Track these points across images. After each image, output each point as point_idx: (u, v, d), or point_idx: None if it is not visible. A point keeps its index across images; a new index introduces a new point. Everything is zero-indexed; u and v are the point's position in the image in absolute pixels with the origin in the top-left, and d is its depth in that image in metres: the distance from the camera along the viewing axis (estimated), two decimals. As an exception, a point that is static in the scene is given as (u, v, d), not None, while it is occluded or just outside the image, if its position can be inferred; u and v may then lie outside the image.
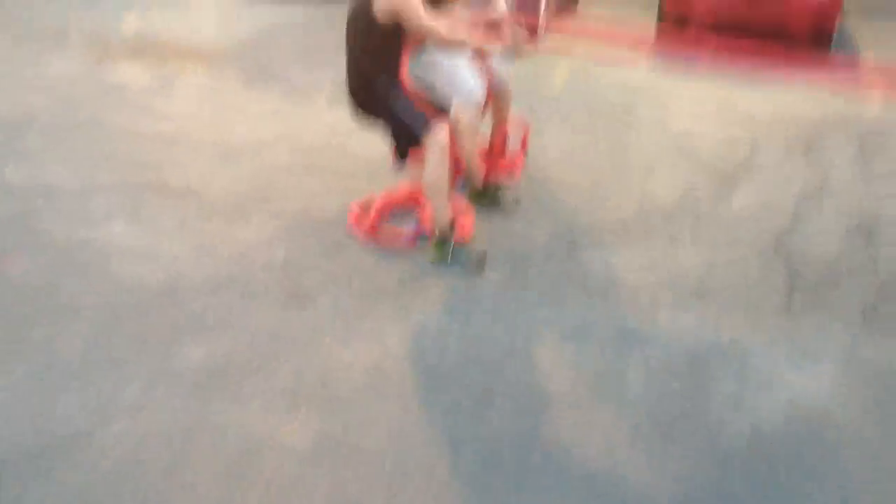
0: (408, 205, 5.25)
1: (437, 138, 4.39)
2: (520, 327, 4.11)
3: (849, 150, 6.88)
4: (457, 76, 4.96)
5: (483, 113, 5.17)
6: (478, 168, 5.21)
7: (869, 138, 7.13)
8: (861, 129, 7.38)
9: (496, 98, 5.51)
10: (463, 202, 5.22)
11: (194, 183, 5.58)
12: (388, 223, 5.03)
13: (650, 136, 6.98)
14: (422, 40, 4.53)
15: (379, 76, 4.46)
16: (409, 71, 4.85)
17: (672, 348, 4.01)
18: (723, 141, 6.95)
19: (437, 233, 4.62)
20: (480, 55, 4.96)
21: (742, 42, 9.69)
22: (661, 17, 10.43)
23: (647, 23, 11.16)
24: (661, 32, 10.41)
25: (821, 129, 7.33)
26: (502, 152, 5.86)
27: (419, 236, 4.88)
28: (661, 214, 5.46)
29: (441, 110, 4.81)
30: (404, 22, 4.25)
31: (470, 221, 5.02)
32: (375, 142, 6.01)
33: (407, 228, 4.95)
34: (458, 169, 5.07)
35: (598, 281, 4.61)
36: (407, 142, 4.50)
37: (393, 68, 4.50)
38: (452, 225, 4.62)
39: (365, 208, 5.19)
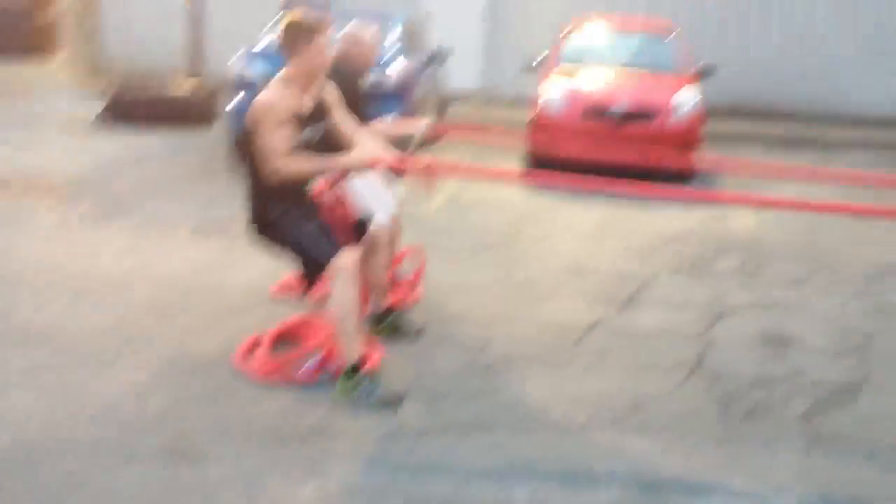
0: (302, 337, 4.69)
1: (344, 265, 4.03)
2: (452, 473, 3.57)
3: (733, 265, 6.84)
4: (370, 190, 4.70)
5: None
6: (385, 289, 4.88)
7: (746, 254, 7.13)
8: (737, 245, 7.41)
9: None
10: (367, 332, 4.69)
11: (47, 327, 4.83)
12: (282, 357, 4.44)
13: (539, 261, 6.72)
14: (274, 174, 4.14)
15: (275, 201, 4.15)
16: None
17: (621, 486, 3.56)
18: (612, 262, 6.78)
19: (345, 366, 4.09)
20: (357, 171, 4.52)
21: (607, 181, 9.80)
22: (527, 162, 10.46)
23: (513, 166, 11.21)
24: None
25: (702, 248, 7.30)
26: (395, 280, 5.44)
27: (321, 370, 4.32)
28: (569, 340, 5.12)
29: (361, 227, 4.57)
30: (263, 145, 4.03)
31: (377, 352, 4.50)
32: (247, 274, 5.47)
33: (308, 362, 4.37)
34: (366, 298, 4.60)
35: (523, 412, 4.16)
36: (313, 270, 4.14)
37: (290, 192, 4.16)
38: (362, 357, 4.10)
39: (254, 344, 4.59)
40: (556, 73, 10.67)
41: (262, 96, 4.10)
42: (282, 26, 4.16)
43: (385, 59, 9.60)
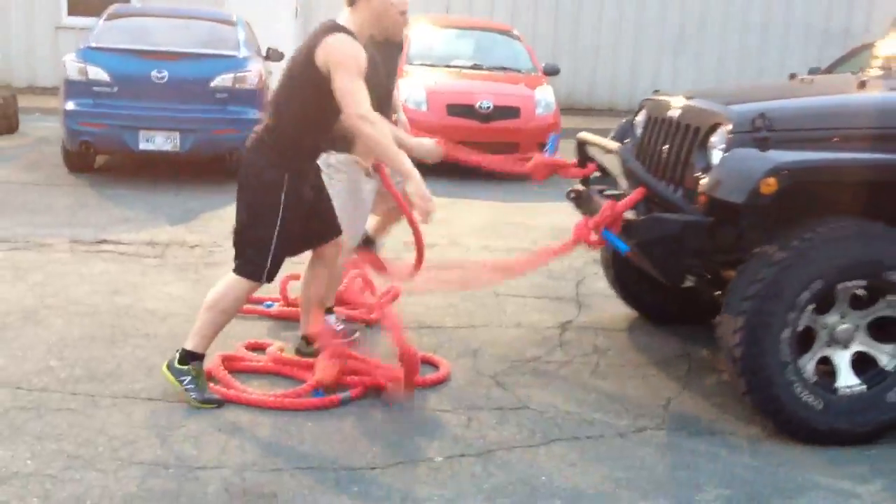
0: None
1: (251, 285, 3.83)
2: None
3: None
4: (360, 208, 4.34)
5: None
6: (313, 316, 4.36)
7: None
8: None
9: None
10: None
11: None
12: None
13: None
14: (344, 136, 3.76)
15: (289, 159, 3.77)
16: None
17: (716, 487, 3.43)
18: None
19: (185, 351, 3.82)
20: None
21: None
22: None
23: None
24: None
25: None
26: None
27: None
28: (555, 343, 4.93)
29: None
30: (337, 97, 3.57)
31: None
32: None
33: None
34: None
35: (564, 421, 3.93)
36: (246, 248, 3.82)
37: (309, 155, 3.83)
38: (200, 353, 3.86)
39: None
40: (409, 72, 10.44)
41: (343, 40, 3.62)
42: None
43: (244, 57, 9.02)
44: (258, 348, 4.45)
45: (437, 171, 9.66)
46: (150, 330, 4.68)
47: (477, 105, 9.79)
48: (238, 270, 3.85)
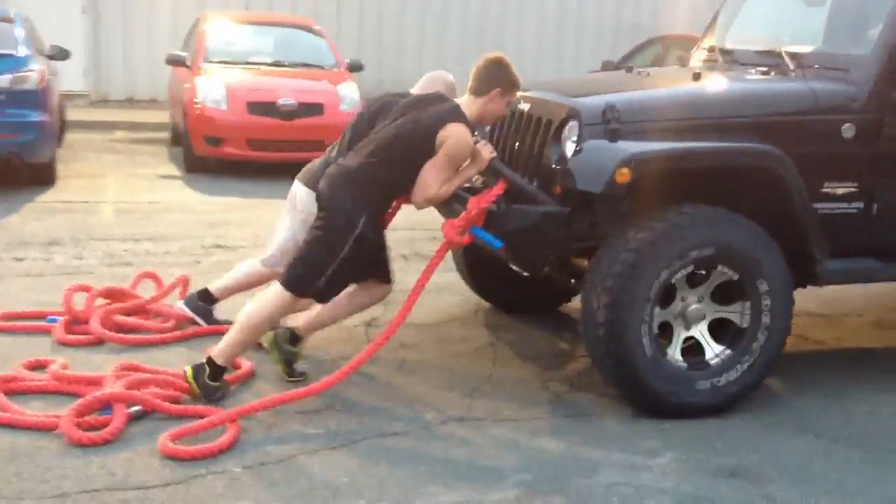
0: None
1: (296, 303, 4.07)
2: None
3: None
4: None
5: None
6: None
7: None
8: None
9: None
10: None
11: None
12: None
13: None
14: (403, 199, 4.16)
15: (373, 214, 4.01)
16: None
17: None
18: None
19: (216, 362, 3.96)
20: None
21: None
22: (188, 164, 9.85)
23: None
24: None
25: (413, 234, 7.34)
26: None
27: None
28: (363, 339, 4.87)
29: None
30: (420, 174, 3.96)
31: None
32: None
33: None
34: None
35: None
36: (313, 285, 3.98)
37: (377, 205, 4.06)
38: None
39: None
40: (208, 70, 10.08)
41: (464, 135, 3.93)
42: (492, 58, 4.17)
43: (23, 56, 8.44)
44: (39, 367, 4.14)
45: (238, 171, 9.50)
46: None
47: (279, 102, 9.58)
48: (285, 282, 3.97)
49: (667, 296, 3.95)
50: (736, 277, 3.95)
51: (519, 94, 4.36)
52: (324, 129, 9.67)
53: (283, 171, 9.55)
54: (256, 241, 6.88)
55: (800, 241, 4.09)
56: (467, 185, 4.29)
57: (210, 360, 3.93)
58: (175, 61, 10.43)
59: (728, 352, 4.02)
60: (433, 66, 16.11)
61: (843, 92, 4.27)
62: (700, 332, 4.06)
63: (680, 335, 4.04)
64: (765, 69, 4.70)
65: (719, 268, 3.94)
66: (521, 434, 3.80)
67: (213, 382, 3.92)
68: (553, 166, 4.08)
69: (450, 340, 4.94)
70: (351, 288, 4.26)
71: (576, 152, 3.95)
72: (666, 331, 4.02)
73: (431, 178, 3.96)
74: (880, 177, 4.30)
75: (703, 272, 3.99)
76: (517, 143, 4.43)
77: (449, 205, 4.27)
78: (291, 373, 4.25)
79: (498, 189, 4.05)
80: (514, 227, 4.01)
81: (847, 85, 4.28)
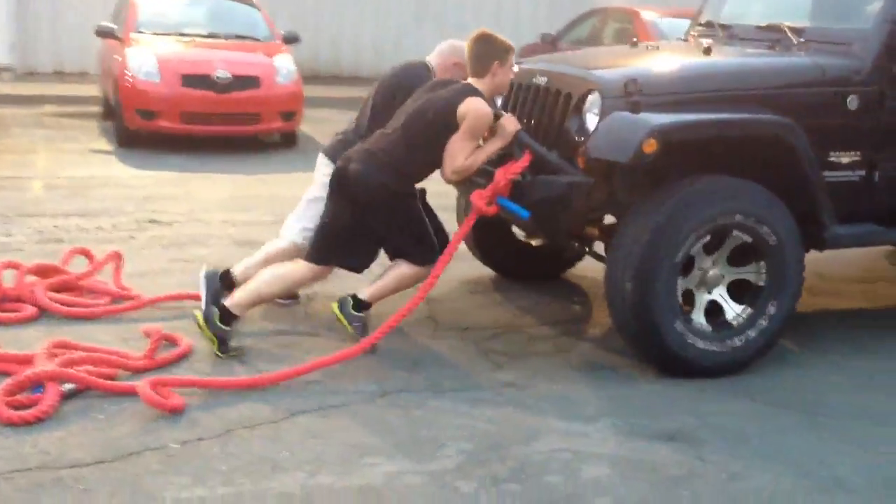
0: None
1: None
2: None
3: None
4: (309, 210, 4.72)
5: None
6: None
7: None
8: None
9: None
10: None
11: None
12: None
13: (219, 240, 6.20)
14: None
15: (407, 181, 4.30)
16: None
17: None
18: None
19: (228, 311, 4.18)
20: None
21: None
22: (120, 138, 9.61)
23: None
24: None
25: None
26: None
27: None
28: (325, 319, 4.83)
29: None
30: (446, 149, 4.17)
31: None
32: None
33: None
34: None
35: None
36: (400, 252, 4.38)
37: (408, 185, 4.35)
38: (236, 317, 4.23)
39: None
40: (139, 41, 9.85)
41: (482, 106, 4.12)
42: (475, 38, 4.32)
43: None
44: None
45: (172, 145, 9.33)
46: None
47: (214, 75, 9.40)
48: (417, 261, 4.31)
49: (686, 264, 4.09)
50: (750, 241, 4.10)
51: (532, 67, 4.58)
52: (259, 101, 9.59)
53: (218, 145, 9.55)
54: (192, 215, 6.79)
55: (809, 207, 4.28)
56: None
57: (223, 307, 4.15)
58: (105, 33, 10.16)
59: (749, 310, 4.18)
60: (371, 38, 16.32)
61: (848, 65, 4.46)
62: (720, 294, 4.22)
63: (703, 300, 4.20)
64: (769, 44, 4.84)
65: (734, 233, 4.08)
66: (462, 404, 3.81)
67: (221, 325, 4.11)
68: (576, 138, 4.21)
69: (386, 314, 4.90)
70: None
71: (601, 124, 4.08)
72: (687, 298, 4.17)
73: (457, 150, 4.15)
74: (882, 146, 4.52)
75: (718, 239, 4.13)
76: (534, 117, 4.53)
77: (468, 181, 4.41)
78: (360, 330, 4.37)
79: (524, 161, 4.18)
80: (541, 196, 4.16)
81: (850, 59, 4.48)
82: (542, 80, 4.58)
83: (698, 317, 4.18)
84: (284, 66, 9.89)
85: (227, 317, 4.14)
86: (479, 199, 4.20)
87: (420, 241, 4.34)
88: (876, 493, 3.27)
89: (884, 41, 4.43)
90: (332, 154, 4.60)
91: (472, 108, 4.11)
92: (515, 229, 5.32)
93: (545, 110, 4.49)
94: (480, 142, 4.31)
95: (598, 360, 4.39)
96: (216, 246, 6.04)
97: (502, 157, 4.32)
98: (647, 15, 11.46)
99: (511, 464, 3.33)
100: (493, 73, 4.27)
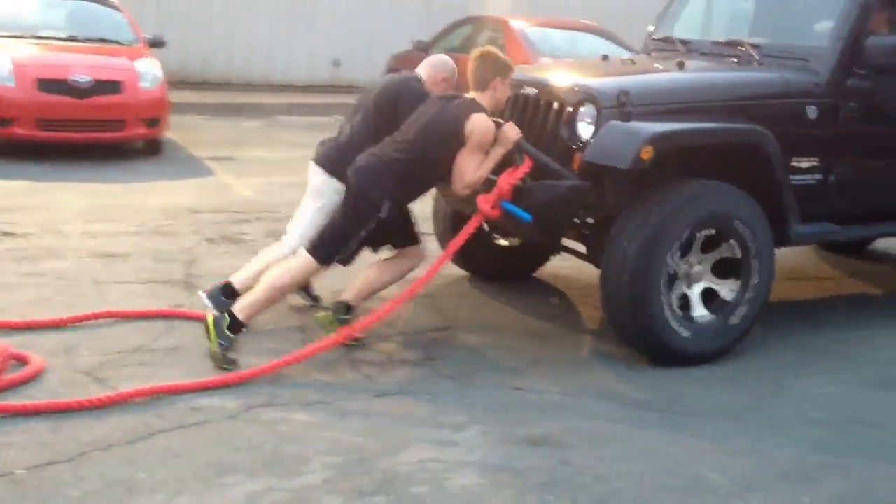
0: None
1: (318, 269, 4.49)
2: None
3: (261, 230, 6.77)
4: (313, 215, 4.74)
5: None
6: None
7: (268, 220, 7.12)
8: (253, 212, 7.37)
9: None
10: None
11: None
12: None
13: (72, 252, 5.91)
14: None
15: (384, 190, 4.35)
16: None
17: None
18: (137, 244, 6.23)
19: (234, 316, 4.24)
20: None
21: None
22: None
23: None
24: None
25: (222, 218, 7.12)
26: None
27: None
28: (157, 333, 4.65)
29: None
30: (455, 164, 4.34)
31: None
32: None
33: None
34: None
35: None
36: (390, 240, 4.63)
37: (403, 201, 4.51)
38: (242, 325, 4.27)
39: None
40: (-9, 44, 9.35)
41: (486, 121, 4.30)
42: (479, 54, 4.51)
43: None
44: None
45: (28, 153, 8.89)
46: None
47: (71, 79, 9.00)
48: (311, 250, 4.38)
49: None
50: (737, 243, 4.47)
51: (520, 78, 4.81)
52: (122, 107, 9.24)
53: (78, 153, 9.14)
54: (48, 226, 6.48)
55: (778, 208, 4.64)
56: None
57: (231, 313, 4.21)
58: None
59: (738, 282, 4.50)
60: (243, 44, 15.98)
61: (808, 79, 4.90)
62: (708, 280, 4.55)
63: (694, 290, 4.51)
64: (731, 58, 5.25)
65: (734, 227, 4.41)
66: (329, 417, 3.75)
67: (229, 332, 4.16)
68: (570, 146, 4.47)
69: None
70: (389, 253, 4.72)
71: (600, 132, 4.35)
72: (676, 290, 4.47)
73: (466, 166, 4.33)
74: (836, 153, 4.98)
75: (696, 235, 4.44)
76: (524, 125, 4.64)
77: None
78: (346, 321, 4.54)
79: (525, 167, 4.37)
80: (543, 199, 4.36)
81: (808, 73, 4.92)
82: (530, 91, 4.84)
83: (699, 310, 4.49)
84: (148, 70, 9.56)
85: (236, 325, 4.20)
86: (484, 203, 4.36)
87: (332, 241, 4.42)
88: (734, 492, 3.36)
89: (838, 57, 4.89)
90: (325, 162, 4.69)
91: (478, 125, 4.30)
92: (487, 227, 5.33)
93: (535, 119, 4.73)
94: None
95: (469, 368, 4.38)
96: (73, 259, 5.77)
97: (502, 164, 4.46)
98: (517, 24, 11.61)
99: (378, 476, 3.28)
100: (493, 89, 4.47)
